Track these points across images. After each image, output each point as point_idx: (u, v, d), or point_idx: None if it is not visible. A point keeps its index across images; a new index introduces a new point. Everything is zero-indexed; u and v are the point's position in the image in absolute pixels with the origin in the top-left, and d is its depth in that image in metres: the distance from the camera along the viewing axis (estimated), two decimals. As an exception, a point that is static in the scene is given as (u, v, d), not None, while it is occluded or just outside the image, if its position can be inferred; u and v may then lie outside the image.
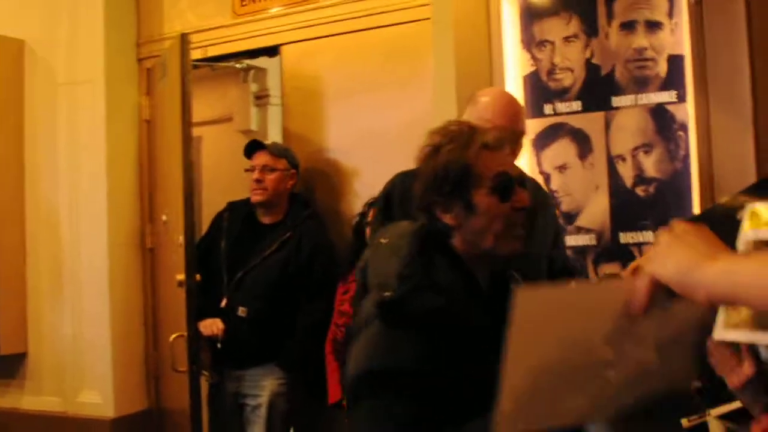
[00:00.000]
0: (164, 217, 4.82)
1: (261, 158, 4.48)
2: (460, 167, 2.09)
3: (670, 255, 1.22)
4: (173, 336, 4.47)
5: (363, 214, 4.29)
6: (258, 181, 4.43)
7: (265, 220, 4.53)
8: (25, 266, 5.17)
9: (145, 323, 5.05)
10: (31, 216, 5.17)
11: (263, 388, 4.39)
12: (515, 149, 2.93)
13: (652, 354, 1.49)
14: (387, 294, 2.06)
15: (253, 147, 4.56)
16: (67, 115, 5.10)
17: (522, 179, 2.21)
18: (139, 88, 5.24)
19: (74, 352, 4.96)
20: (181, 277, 4.39)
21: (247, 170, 4.50)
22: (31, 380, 5.14)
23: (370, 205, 4.27)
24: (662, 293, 1.29)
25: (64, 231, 5.04)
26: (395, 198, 3.32)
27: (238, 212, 4.62)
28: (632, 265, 1.62)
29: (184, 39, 4.50)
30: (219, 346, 4.37)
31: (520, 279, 2.29)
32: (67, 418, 4.95)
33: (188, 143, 4.45)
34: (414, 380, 2.03)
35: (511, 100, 3.26)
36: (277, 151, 4.52)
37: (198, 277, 4.41)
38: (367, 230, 4.21)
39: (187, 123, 4.44)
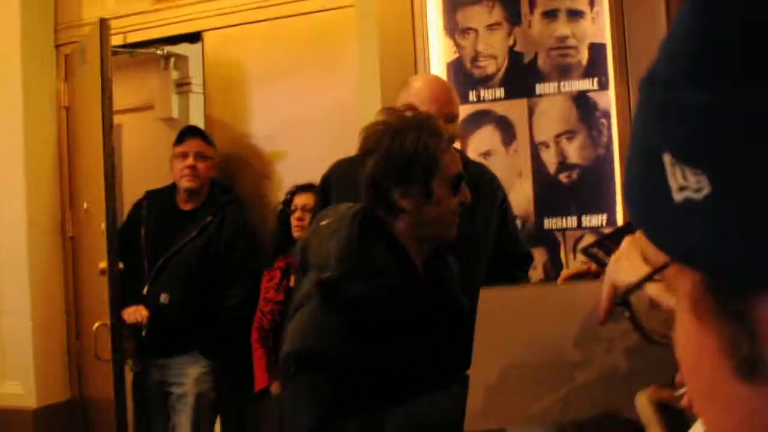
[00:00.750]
0: (85, 205, 4.74)
1: (195, 145, 4.44)
2: (429, 157, 2.18)
3: (630, 262, 1.18)
4: (96, 324, 4.42)
5: (286, 201, 4.29)
6: (191, 167, 4.39)
7: (186, 206, 4.50)
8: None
9: (67, 312, 4.97)
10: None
11: (188, 375, 4.37)
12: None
13: (623, 360, 1.47)
14: (325, 275, 2.11)
15: (187, 132, 4.51)
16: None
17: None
18: (57, 74, 5.13)
19: (-6, 342, 4.86)
20: (103, 264, 4.34)
21: (177, 156, 4.44)
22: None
23: (293, 192, 4.27)
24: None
25: (-19, 220, 4.93)
26: (333, 185, 3.37)
27: (157, 200, 4.58)
28: (563, 274, 1.64)
29: (103, 24, 4.43)
30: (143, 333, 4.32)
31: (454, 264, 2.38)
32: (-11, 408, 4.86)
33: (109, 130, 4.40)
34: (340, 361, 2.07)
35: (444, 85, 3.34)
36: (210, 140, 4.50)
37: (121, 265, 4.36)
38: (292, 217, 4.21)
39: (107, 109, 4.38)
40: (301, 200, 4.21)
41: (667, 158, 0.53)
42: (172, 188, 4.57)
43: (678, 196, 0.52)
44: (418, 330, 2.05)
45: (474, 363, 1.44)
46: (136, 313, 4.32)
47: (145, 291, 4.36)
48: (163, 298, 4.33)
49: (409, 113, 2.31)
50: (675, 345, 0.62)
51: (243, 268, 4.35)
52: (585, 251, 1.67)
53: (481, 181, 3.28)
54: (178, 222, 4.45)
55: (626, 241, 1.25)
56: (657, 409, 2.15)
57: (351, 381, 2.06)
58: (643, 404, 2.18)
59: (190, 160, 4.40)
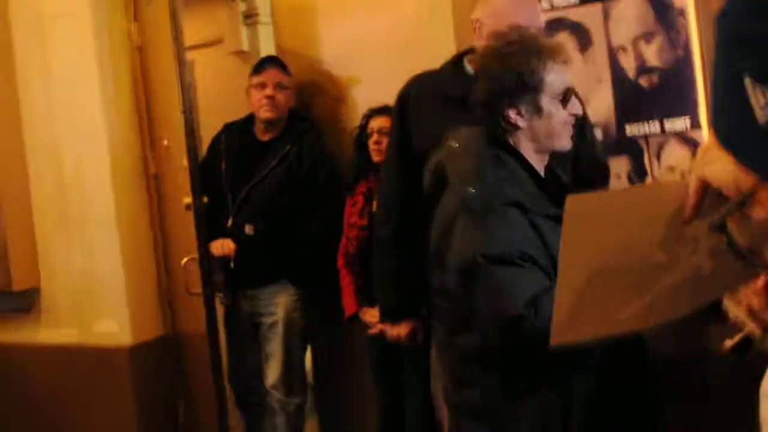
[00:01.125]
0: (166, 142, 4.79)
1: (274, 74, 4.44)
2: (534, 76, 2.47)
3: (717, 154, 1.14)
4: (185, 259, 4.50)
5: (362, 126, 4.27)
6: (270, 97, 4.39)
7: (264, 137, 4.52)
8: (30, 203, 5.14)
9: (156, 249, 5.05)
10: (32, 152, 5.13)
11: (278, 305, 4.43)
12: None
13: (707, 260, 1.42)
14: (471, 190, 2.42)
15: (265, 62, 4.51)
16: (57, 49, 5.02)
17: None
18: (127, 14, 5.15)
19: (87, 284, 4.97)
20: (188, 200, 4.39)
21: (254, 86, 4.44)
22: (46, 314, 5.15)
23: (368, 115, 4.24)
24: (713, 196, 1.23)
25: (66, 165, 5.00)
26: (410, 100, 3.37)
27: (235, 132, 4.61)
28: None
29: (168, -41, 4.42)
30: (232, 266, 4.38)
31: (564, 174, 2.72)
32: (85, 348, 4.98)
33: (183, 66, 4.41)
34: (519, 255, 2.35)
35: None
36: (287, 69, 4.49)
37: (204, 199, 4.40)
38: (369, 141, 4.18)
39: (180, 45, 4.39)
40: (377, 123, 4.16)
41: (747, 81, 0.53)
42: (250, 119, 4.58)
43: (762, 117, 0.53)
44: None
45: (560, 270, 1.43)
46: (223, 246, 4.38)
47: (229, 223, 4.41)
48: (248, 229, 4.37)
49: (514, 36, 2.57)
50: None
51: (325, 195, 4.36)
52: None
53: None
54: (258, 153, 4.47)
55: (711, 138, 1.24)
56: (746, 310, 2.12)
57: (538, 269, 2.35)
58: (733, 306, 2.15)
59: (269, 90, 4.40)
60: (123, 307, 4.89)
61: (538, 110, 2.50)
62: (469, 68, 3.37)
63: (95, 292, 4.96)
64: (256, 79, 4.45)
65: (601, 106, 3.81)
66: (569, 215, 1.36)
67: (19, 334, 5.28)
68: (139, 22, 5.12)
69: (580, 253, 1.41)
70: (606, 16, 3.81)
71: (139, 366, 4.94)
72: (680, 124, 3.70)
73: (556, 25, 3.90)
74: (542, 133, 2.52)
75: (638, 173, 3.78)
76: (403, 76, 3.61)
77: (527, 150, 2.54)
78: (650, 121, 3.75)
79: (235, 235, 4.39)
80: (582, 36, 3.85)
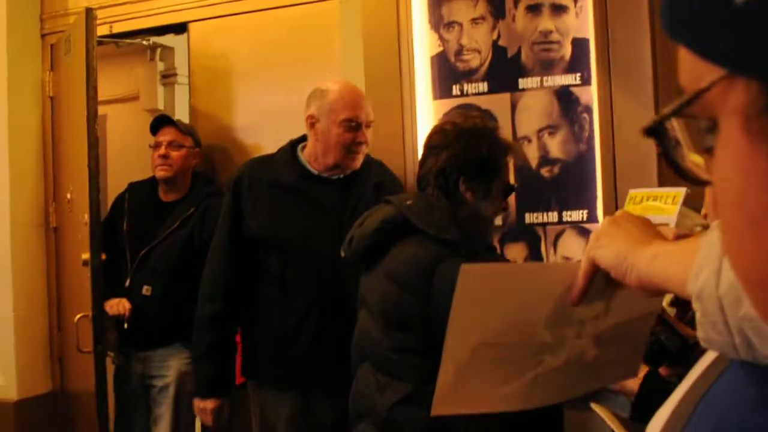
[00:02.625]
0: (69, 195, 4.73)
1: (168, 134, 4.44)
2: (496, 162, 2.69)
3: (609, 240, 1.22)
4: (78, 316, 4.41)
5: None
6: (164, 156, 4.39)
7: (168, 197, 4.50)
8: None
9: (49, 303, 4.96)
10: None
11: (170, 368, 4.37)
12: None
13: (591, 346, 1.47)
14: (450, 236, 2.59)
15: (160, 122, 4.52)
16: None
17: None
18: (43, 63, 5.12)
19: (-24, 334, 4.85)
20: (86, 256, 4.33)
21: (152, 146, 4.45)
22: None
23: None
24: (602, 280, 1.27)
25: (-36, 210, 4.92)
26: (244, 184, 3.50)
27: (139, 192, 4.58)
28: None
29: (89, 14, 4.42)
30: (125, 326, 4.32)
31: None
32: (-31, 401, 4.85)
33: (94, 120, 4.38)
34: None
35: (358, 92, 3.58)
36: (185, 128, 4.50)
37: (103, 256, 4.35)
38: None
39: (92, 99, 4.37)
40: None
41: None
42: (154, 180, 4.56)
43: None
44: None
45: (447, 340, 1.41)
46: (118, 305, 4.32)
47: (127, 283, 4.36)
48: (145, 290, 4.33)
49: (478, 120, 2.77)
50: (712, 174, 0.59)
51: None
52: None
53: (383, 181, 3.59)
54: (160, 214, 4.45)
55: (606, 221, 1.28)
56: (616, 417, 2.15)
57: None
58: (607, 415, 2.18)
59: (162, 150, 4.40)
60: (11, 360, 4.78)
61: (487, 193, 2.70)
62: (302, 157, 3.57)
63: (-16, 343, 4.84)
64: (152, 140, 4.46)
65: (503, 192, 3.88)
66: (462, 285, 1.35)
67: None
68: (56, 72, 5.09)
69: (469, 324, 1.40)
70: (513, 106, 3.91)
71: (24, 421, 4.81)
72: (577, 215, 3.79)
73: (465, 110, 3.98)
74: (483, 214, 2.74)
75: (535, 259, 3.85)
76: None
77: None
78: (549, 211, 3.83)
79: (132, 295, 4.34)
80: (489, 123, 3.93)
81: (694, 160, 0.66)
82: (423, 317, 2.59)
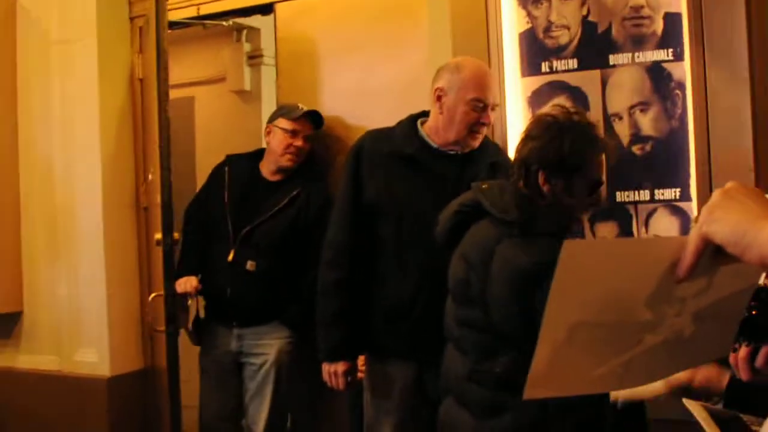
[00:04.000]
0: (150, 176, 4.80)
1: (308, 127, 4.45)
2: (579, 160, 2.64)
3: (723, 213, 1.17)
4: (152, 296, 4.48)
5: None
6: (298, 148, 4.41)
7: (273, 177, 4.50)
8: (20, 226, 5.16)
9: (141, 282, 5.04)
10: (26, 176, 5.16)
11: (269, 345, 4.39)
12: None
13: (690, 323, 1.43)
14: (509, 217, 2.65)
15: (304, 113, 4.46)
16: (60, 75, 5.07)
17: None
18: (132, 46, 5.19)
19: (70, 311, 4.96)
20: (158, 236, 4.37)
21: (285, 130, 4.42)
22: (27, 339, 5.15)
23: None
24: (711, 255, 1.23)
25: (59, 191, 5.02)
26: (364, 154, 3.50)
27: (240, 166, 4.57)
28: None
29: (159, -5, 4.45)
30: (188, 303, 4.37)
31: None
32: (64, 376, 4.97)
33: (165, 101, 4.40)
34: None
35: (489, 73, 3.57)
36: (318, 122, 4.52)
37: (176, 235, 4.37)
38: None
39: (163, 81, 4.38)
40: None
41: None
42: (257, 155, 4.58)
43: None
44: None
45: (545, 320, 1.37)
46: (186, 284, 4.36)
47: (230, 258, 4.38)
48: (250, 265, 4.34)
49: (576, 116, 2.72)
50: None
51: None
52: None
53: (498, 161, 3.54)
54: (264, 191, 4.45)
55: (718, 193, 1.21)
56: (709, 414, 2.10)
57: None
58: (697, 409, 2.13)
59: (299, 141, 4.40)
60: (104, 338, 4.88)
61: (567, 188, 2.67)
62: (422, 131, 3.54)
63: (78, 320, 4.95)
64: (288, 124, 4.42)
65: (593, 171, 3.83)
66: (564, 260, 1.31)
67: (-1, 358, 5.27)
68: (144, 54, 5.16)
69: (567, 302, 1.37)
70: (604, 83, 3.85)
71: (117, 398, 4.91)
72: (670, 193, 3.72)
73: (554, 88, 3.94)
74: (562, 207, 2.70)
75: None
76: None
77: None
78: (641, 189, 3.78)
79: (235, 269, 4.37)
80: (579, 100, 3.88)
81: None
82: (483, 296, 2.68)
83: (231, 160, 4.64)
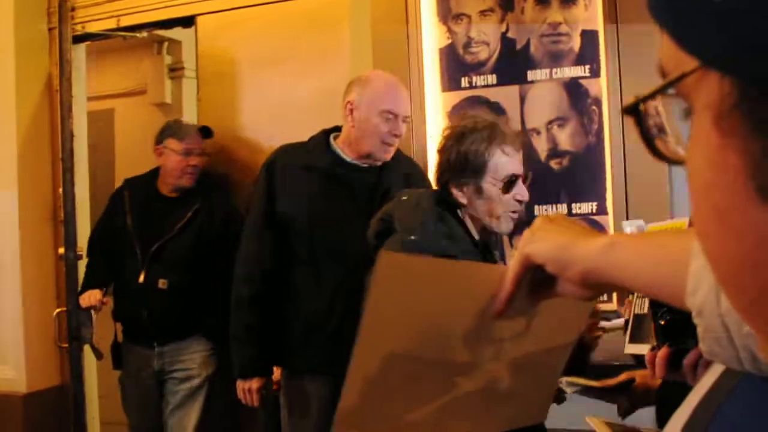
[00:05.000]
0: (60, 190, 4.73)
1: (196, 142, 4.44)
2: (479, 159, 2.60)
3: (545, 234, 1.14)
4: (56, 311, 4.43)
5: None
6: (194, 166, 4.40)
7: (172, 193, 4.49)
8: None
9: (58, 297, 4.96)
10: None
11: (192, 360, 4.38)
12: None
13: (506, 374, 1.38)
14: (412, 237, 2.54)
15: (191, 129, 4.46)
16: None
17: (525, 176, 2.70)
18: (50, 57, 5.11)
19: (-15, 327, 4.86)
20: (61, 250, 4.34)
21: (178, 151, 4.40)
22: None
23: None
24: (529, 291, 1.19)
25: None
26: (277, 168, 3.52)
27: (139, 187, 4.56)
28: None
29: (62, 5, 4.43)
30: (93, 314, 4.41)
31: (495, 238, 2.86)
32: (-22, 393, 4.87)
33: (68, 114, 4.40)
34: None
35: (400, 85, 3.57)
36: (205, 133, 4.50)
37: (80, 250, 4.35)
38: None
39: (66, 92, 4.40)
40: None
41: None
42: (153, 174, 4.56)
43: None
44: None
45: (358, 344, 1.29)
46: (90, 298, 4.34)
47: (141, 278, 4.35)
48: (161, 283, 4.32)
49: (474, 121, 2.68)
50: (686, 163, 0.58)
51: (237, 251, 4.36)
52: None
53: (413, 173, 3.62)
54: (165, 208, 4.44)
55: (540, 218, 1.19)
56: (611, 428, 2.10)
57: None
58: (601, 427, 2.13)
59: (194, 160, 4.40)
60: (20, 354, 4.79)
61: (478, 190, 2.62)
62: (334, 145, 3.57)
63: (-7, 336, 4.85)
64: (179, 146, 4.41)
65: (512, 185, 3.87)
66: (379, 274, 1.23)
67: None
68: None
69: (383, 326, 1.29)
70: (522, 98, 3.90)
71: (33, 414, 4.81)
72: (587, 207, 3.78)
73: (473, 103, 3.99)
74: (482, 212, 2.65)
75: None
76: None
77: (469, 219, 2.69)
78: (558, 203, 3.83)
79: (148, 289, 4.34)
80: (498, 115, 3.92)
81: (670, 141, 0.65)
82: None
83: (129, 183, 4.63)
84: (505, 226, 2.68)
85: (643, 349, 1.80)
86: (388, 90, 3.46)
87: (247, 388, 3.69)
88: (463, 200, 2.65)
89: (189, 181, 4.42)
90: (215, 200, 4.41)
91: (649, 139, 0.63)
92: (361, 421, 1.39)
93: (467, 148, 2.61)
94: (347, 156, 3.52)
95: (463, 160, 2.61)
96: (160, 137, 4.47)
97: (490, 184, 2.62)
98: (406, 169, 3.60)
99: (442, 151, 2.70)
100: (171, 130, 4.48)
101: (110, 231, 4.48)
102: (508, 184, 2.64)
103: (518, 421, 1.51)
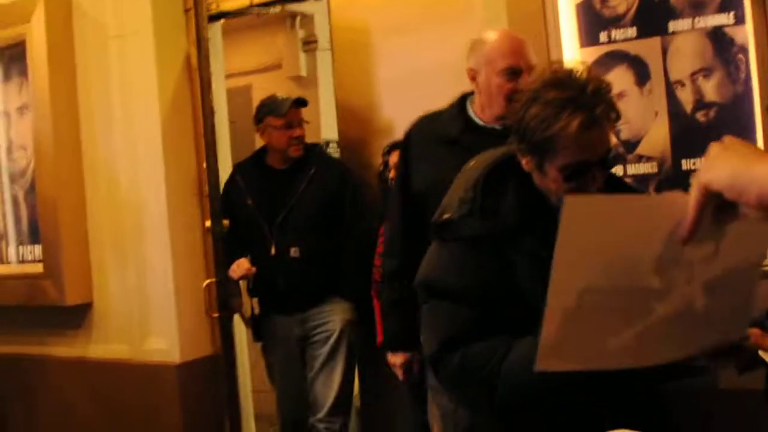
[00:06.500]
0: (204, 165, 4.85)
1: (298, 114, 4.54)
2: (544, 135, 2.10)
3: (721, 162, 1.16)
4: (205, 282, 4.53)
5: (385, 161, 4.30)
6: (299, 137, 4.49)
7: (281, 165, 4.59)
8: (86, 220, 5.22)
9: (207, 268, 5.08)
10: (89, 168, 5.21)
11: (333, 322, 4.45)
12: None
13: (701, 295, 1.39)
14: (446, 216, 2.30)
15: (287, 104, 4.55)
16: (118, 68, 5.11)
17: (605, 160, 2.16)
18: (188, 37, 5.22)
19: (139, 300, 5.02)
20: (208, 223, 4.44)
21: (280, 127, 4.51)
22: (97, 329, 5.22)
23: (388, 150, 4.26)
24: (714, 215, 1.21)
25: (122, 181, 5.07)
26: (412, 141, 3.45)
27: (249, 169, 4.69)
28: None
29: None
30: (250, 286, 4.55)
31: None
32: (134, 364, 5.04)
33: (207, 90, 4.50)
34: (457, 292, 2.23)
35: (516, 38, 3.40)
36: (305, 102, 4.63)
37: (226, 222, 4.44)
38: (390, 173, 4.20)
39: (204, 69, 4.47)
40: (395, 158, 4.12)
41: None
42: (260, 153, 4.73)
43: None
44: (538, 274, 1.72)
45: (552, 284, 1.32)
46: (239, 267, 4.43)
47: (273, 251, 4.44)
48: (293, 251, 4.41)
49: (560, 77, 2.15)
50: None
51: (359, 209, 4.47)
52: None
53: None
54: (281, 180, 4.57)
55: (715, 146, 1.21)
56: None
57: (470, 311, 2.19)
58: None
59: (297, 131, 4.52)
60: (173, 326, 4.94)
61: (539, 167, 2.19)
62: (471, 111, 3.47)
63: (146, 309, 5.01)
64: (279, 121, 4.54)
65: (657, 139, 3.79)
66: (566, 217, 1.27)
67: (70, 349, 5.35)
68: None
69: (574, 264, 1.33)
70: (664, 50, 3.81)
71: (187, 383, 4.97)
72: (737, 159, 3.67)
73: (613, 58, 3.90)
74: (544, 189, 2.20)
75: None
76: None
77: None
78: (706, 156, 3.73)
79: (281, 260, 4.43)
80: (640, 69, 3.84)
81: None
82: None
83: (238, 169, 4.79)
84: (554, 201, 2.19)
85: None
86: (503, 46, 3.34)
87: (392, 362, 3.74)
88: (526, 167, 2.24)
89: (296, 152, 4.53)
90: (327, 163, 4.53)
91: None
92: (563, 354, 1.43)
93: (533, 116, 2.12)
94: (481, 120, 3.46)
95: (525, 128, 2.15)
96: (259, 116, 4.59)
97: (549, 166, 2.15)
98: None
99: (517, 111, 2.21)
100: (267, 107, 4.59)
101: (235, 216, 4.60)
102: (569, 173, 2.12)
103: (717, 340, 1.54)
